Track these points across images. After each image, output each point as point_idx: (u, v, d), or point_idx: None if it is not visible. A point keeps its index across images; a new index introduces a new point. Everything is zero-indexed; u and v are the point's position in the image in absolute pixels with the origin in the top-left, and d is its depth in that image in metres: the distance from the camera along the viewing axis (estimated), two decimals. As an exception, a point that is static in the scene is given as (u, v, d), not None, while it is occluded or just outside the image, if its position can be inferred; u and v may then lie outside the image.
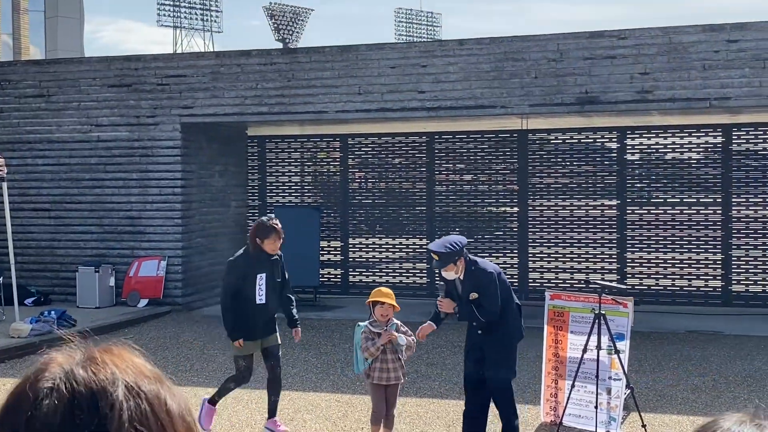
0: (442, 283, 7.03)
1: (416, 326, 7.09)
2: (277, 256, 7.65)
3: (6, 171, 11.90)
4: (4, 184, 11.84)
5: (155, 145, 14.29)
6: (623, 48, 12.23)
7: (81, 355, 1.13)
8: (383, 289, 7.18)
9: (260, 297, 7.59)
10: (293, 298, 7.93)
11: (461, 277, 6.81)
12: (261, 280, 7.61)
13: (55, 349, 1.16)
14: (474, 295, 6.76)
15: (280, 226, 7.59)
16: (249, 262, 7.55)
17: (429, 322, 7.08)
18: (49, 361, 1.12)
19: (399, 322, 7.03)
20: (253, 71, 13.92)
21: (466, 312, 6.81)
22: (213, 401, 7.75)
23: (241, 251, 7.72)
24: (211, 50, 15.20)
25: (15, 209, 13.58)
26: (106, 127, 14.47)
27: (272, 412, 7.68)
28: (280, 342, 7.77)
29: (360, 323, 7.15)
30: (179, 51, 48.26)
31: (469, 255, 6.89)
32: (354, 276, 16.16)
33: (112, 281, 14.09)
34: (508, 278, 7.28)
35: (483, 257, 14.80)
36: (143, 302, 13.98)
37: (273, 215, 7.91)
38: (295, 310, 7.82)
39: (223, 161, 15.39)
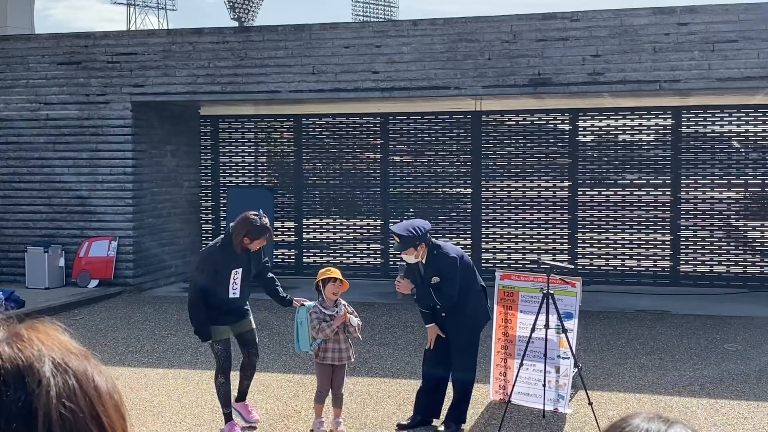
0: (404, 264, 7.07)
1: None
2: (254, 251, 7.15)
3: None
4: (-51, 163, 11.59)
5: (105, 124, 14.08)
6: (575, 30, 12.32)
7: (5, 333, 1.11)
8: (331, 268, 7.22)
9: (234, 291, 7.08)
10: (276, 278, 7.46)
11: (423, 261, 6.86)
12: (237, 275, 7.06)
13: None
14: (435, 279, 6.82)
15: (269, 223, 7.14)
16: (226, 256, 6.99)
17: (432, 324, 7.10)
18: None
19: (345, 303, 7.09)
20: (206, 50, 13.76)
21: (424, 295, 6.87)
22: (239, 398, 7.37)
23: (218, 243, 7.11)
24: (164, 28, 14.97)
25: (-39, 189, 13.32)
26: (56, 105, 14.21)
27: (243, 395, 7.37)
28: (254, 327, 7.35)
29: (305, 303, 7.17)
30: (132, 29, 47.54)
31: (433, 239, 6.93)
32: (308, 257, 16.14)
33: (61, 262, 13.90)
34: (468, 257, 7.35)
35: (437, 239, 14.94)
36: (93, 283, 13.82)
37: (261, 211, 7.26)
38: (281, 290, 7.36)
39: (176, 141, 15.22)
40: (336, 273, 7.05)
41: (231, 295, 7.05)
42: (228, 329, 7.19)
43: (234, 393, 7.38)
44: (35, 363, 1.06)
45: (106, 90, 14.07)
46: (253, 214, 7.04)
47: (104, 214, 14.10)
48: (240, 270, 7.05)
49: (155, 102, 14.18)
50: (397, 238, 6.82)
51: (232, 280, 7.04)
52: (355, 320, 7.01)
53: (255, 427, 7.16)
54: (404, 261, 7.05)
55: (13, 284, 13.53)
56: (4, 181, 14.41)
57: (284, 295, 7.38)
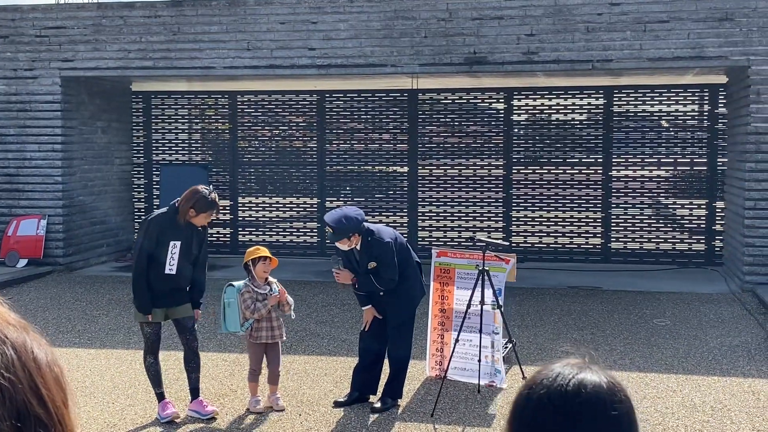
0: (337, 255, 7.04)
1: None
2: (200, 228, 6.97)
3: None
4: None
5: (33, 99, 13.70)
6: (510, 9, 12.39)
7: None
8: (259, 247, 7.16)
9: (170, 267, 6.84)
10: (203, 280, 7.12)
11: (358, 248, 6.87)
12: (175, 248, 6.85)
13: None
14: (372, 265, 6.83)
15: (218, 199, 6.93)
16: (168, 225, 6.81)
17: (369, 306, 7.10)
18: None
19: (276, 280, 7.08)
20: (137, 24, 13.47)
21: (365, 282, 6.90)
22: (192, 397, 7.10)
23: (162, 210, 6.96)
24: (94, 1, 14.63)
25: None
26: (-20, 79, 13.77)
27: (195, 391, 7.07)
28: (193, 314, 7.08)
29: (233, 283, 7.12)
30: (61, 2, 46.27)
31: (366, 224, 6.92)
32: (243, 236, 16.01)
33: (-12, 241, 13.53)
34: (401, 235, 7.39)
35: (374, 216, 14.97)
36: (23, 262, 13.49)
37: (211, 187, 7.07)
38: (200, 294, 7.09)
39: (107, 117, 14.90)
40: (264, 251, 7.02)
41: (167, 270, 6.81)
42: (161, 313, 6.98)
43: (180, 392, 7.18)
44: None
45: (35, 65, 13.68)
46: (203, 188, 6.83)
47: (33, 192, 13.75)
48: (179, 244, 6.82)
49: (85, 77, 13.85)
50: (329, 229, 6.81)
51: (170, 254, 6.83)
52: (290, 299, 7.01)
53: (215, 419, 6.97)
54: (336, 252, 7.04)
55: (-63, 264, 13.13)
56: (-73, 158, 13.95)
57: (199, 301, 7.12)
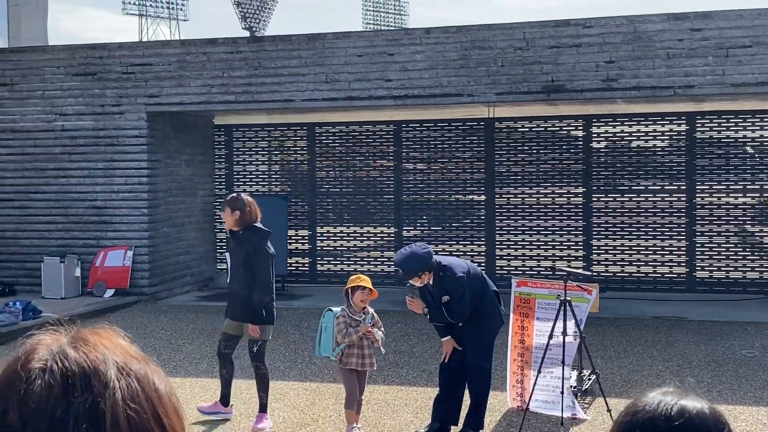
0: (412, 284, 7.07)
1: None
2: (241, 234, 7.19)
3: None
4: (-34, 174, 11.67)
5: (121, 134, 14.16)
6: (589, 36, 12.32)
7: (69, 337, 1.15)
8: (362, 275, 7.23)
9: (227, 277, 7.37)
10: (254, 296, 7.18)
11: (431, 282, 6.88)
12: (227, 259, 7.38)
13: (42, 331, 1.17)
14: (446, 298, 6.83)
15: (233, 197, 7.25)
16: (229, 239, 7.44)
17: (448, 337, 7.10)
18: (38, 342, 1.14)
19: (373, 311, 7.11)
20: (220, 59, 13.83)
21: (437, 314, 6.91)
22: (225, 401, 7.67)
23: None
24: (178, 39, 15.06)
25: (-22, 199, 13.41)
26: (71, 116, 14.30)
27: (262, 407, 7.46)
28: (253, 335, 7.28)
29: (332, 308, 7.19)
30: (145, 39, 47.82)
31: (437, 258, 6.92)
32: (322, 264, 16.16)
33: (77, 271, 13.96)
34: (476, 266, 7.36)
35: (450, 245, 14.94)
36: (109, 292, 13.88)
37: (242, 191, 7.75)
38: (250, 309, 7.21)
39: (190, 150, 15.29)
40: (366, 281, 7.06)
41: (226, 281, 7.52)
42: (230, 325, 7.46)
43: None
44: (101, 366, 1.10)
45: (121, 100, 14.15)
46: (240, 192, 7.56)
47: (120, 224, 14.16)
48: (228, 255, 7.45)
49: (170, 112, 14.26)
50: (400, 269, 6.85)
51: (227, 264, 7.49)
52: (380, 334, 7.04)
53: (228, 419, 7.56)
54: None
55: (29, 294, 13.59)
56: (21, 192, 14.50)
57: (251, 314, 7.33)
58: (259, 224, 7.29)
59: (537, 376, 7.24)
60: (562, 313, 7.12)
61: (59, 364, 1.09)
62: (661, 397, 1.45)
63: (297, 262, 16.18)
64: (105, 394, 1.07)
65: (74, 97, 14.30)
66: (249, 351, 7.48)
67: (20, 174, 14.50)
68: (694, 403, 1.45)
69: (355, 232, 16.04)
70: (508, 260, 15.21)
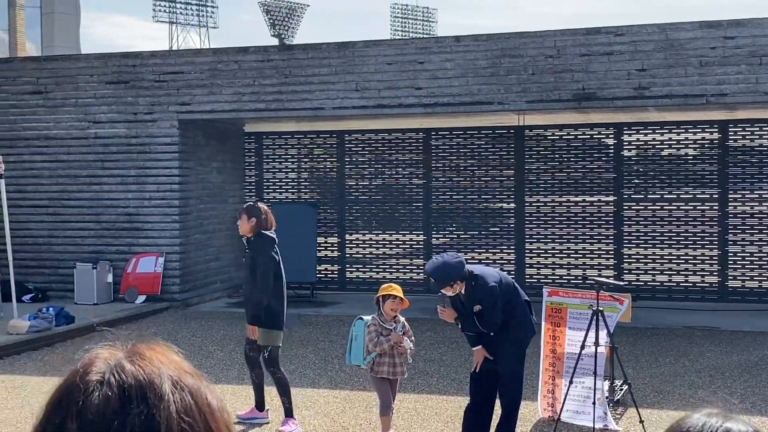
0: (445, 294, 7.06)
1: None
2: (252, 240, 7.52)
3: (3, 168, 11.90)
4: (2, 182, 11.84)
5: (153, 141, 14.30)
6: (620, 44, 12.26)
7: (126, 351, 1.19)
8: (393, 284, 7.24)
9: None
10: (256, 297, 7.47)
11: (463, 292, 6.87)
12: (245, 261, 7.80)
13: (99, 345, 1.21)
14: (478, 308, 6.81)
15: (250, 205, 7.66)
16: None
17: (479, 347, 7.08)
18: (95, 355, 1.18)
19: (404, 320, 7.11)
20: (251, 68, 13.93)
21: (469, 323, 6.89)
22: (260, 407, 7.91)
23: None
24: (208, 47, 15.20)
25: (13, 206, 13.58)
26: (104, 123, 14.47)
27: (287, 411, 7.60)
28: (251, 336, 7.54)
29: (363, 317, 7.20)
30: (175, 47, 48.23)
31: (470, 268, 6.91)
32: (351, 272, 16.19)
33: (109, 278, 14.10)
34: (507, 275, 7.34)
35: (480, 253, 14.90)
36: (141, 298, 14.00)
37: (257, 200, 8.00)
38: (252, 311, 7.50)
39: (221, 157, 15.41)
40: (397, 290, 7.07)
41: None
42: (247, 328, 7.68)
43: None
44: (156, 380, 1.13)
45: (154, 108, 14.29)
46: (258, 200, 7.78)
47: (151, 231, 14.29)
48: (245, 259, 7.74)
49: (201, 120, 14.38)
50: (432, 279, 6.85)
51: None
52: (409, 344, 7.03)
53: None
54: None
55: (62, 300, 13.76)
56: (54, 199, 14.68)
57: (252, 315, 7.59)
58: (268, 232, 7.55)
59: (569, 386, 7.20)
60: (594, 322, 7.09)
61: (116, 376, 1.12)
62: (706, 419, 1.44)
63: (326, 269, 16.22)
64: (160, 407, 1.10)
65: (107, 105, 14.47)
66: (261, 357, 7.63)
67: (54, 181, 14.68)
68: (738, 426, 1.43)
69: (384, 239, 16.06)
70: (538, 269, 15.14)
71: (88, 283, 13.87)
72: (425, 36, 51.74)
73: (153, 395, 1.11)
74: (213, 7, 51.18)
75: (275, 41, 49.61)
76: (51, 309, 11.96)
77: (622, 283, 9.41)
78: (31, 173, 14.72)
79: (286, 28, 51.97)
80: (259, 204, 7.70)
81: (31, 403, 8.51)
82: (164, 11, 49.47)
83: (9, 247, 11.98)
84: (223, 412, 1.19)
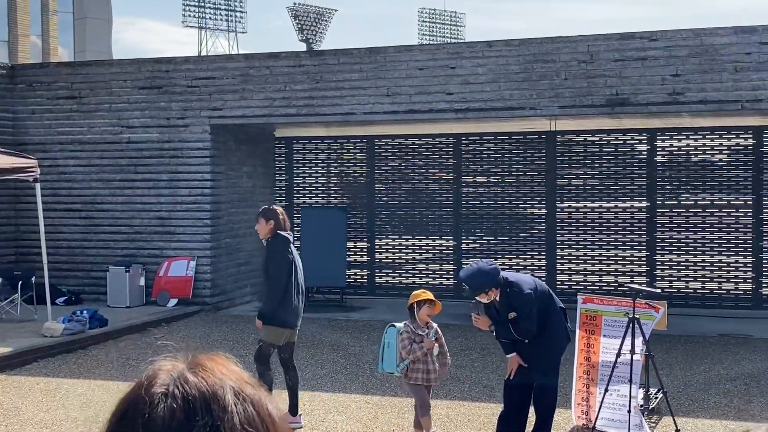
0: (479, 301, 7.03)
1: (444, 328, 7.14)
2: (269, 241, 7.78)
3: (39, 172, 12.03)
4: (38, 185, 11.97)
5: (185, 146, 14.40)
6: (654, 50, 12.18)
7: (187, 362, 1.20)
8: (424, 290, 7.22)
9: None
10: (266, 291, 7.93)
11: (497, 299, 6.83)
12: None
13: (161, 357, 1.22)
14: (512, 315, 6.78)
15: (266, 208, 7.90)
16: None
17: (513, 354, 7.04)
18: (158, 368, 1.19)
19: (437, 326, 7.09)
20: (282, 73, 13.98)
21: (503, 331, 6.85)
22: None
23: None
24: (237, 52, 15.28)
25: (47, 209, 13.71)
26: (137, 128, 14.59)
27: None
28: (263, 336, 7.80)
29: (395, 324, 7.19)
30: (203, 52, 48.55)
31: (505, 275, 6.88)
32: (380, 277, 16.19)
33: (142, 281, 14.21)
34: (542, 282, 7.29)
35: (510, 258, 14.83)
36: (173, 302, 14.08)
37: (277, 207, 8.11)
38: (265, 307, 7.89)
39: (251, 162, 15.48)
40: (429, 295, 7.07)
41: None
42: None
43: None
44: (219, 391, 1.14)
45: (186, 113, 14.39)
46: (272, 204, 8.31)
47: (183, 235, 14.39)
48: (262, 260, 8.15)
49: (233, 125, 14.45)
50: (466, 286, 6.83)
51: None
52: (438, 349, 7.00)
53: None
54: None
55: (95, 303, 13.87)
56: (88, 203, 14.82)
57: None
58: (284, 233, 7.76)
59: (604, 394, 7.15)
60: (630, 330, 7.03)
61: (180, 388, 1.14)
62: None
63: (355, 274, 16.23)
64: (224, 418, 1.12)
65: (140, 110, 14.59)
66: (286, 356, 7.88)
67: (87, 185, 14.82)
68: None
69: (413, 244, 16.05)
70: (569, 275, 15.05)
71: (121, 286, 13.98)
72: (457, 41, 51.68)
73: (217, 406, 1.12)
74: (242, 12, 51.48)
75: (303, 46, 49.84)
76: (85, 312, 12.06)
77: (658, 290, 9.32)
78: (64, 177, 14.87)
79: (314, 32, 52.17)
80: (274, 207, 8.01)
81: (66, 405, 8.60)
82: (193, 16, 49.83)
83: (44, 250, 12.10)
84: (282, 421, 1.20)
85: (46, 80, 15.10)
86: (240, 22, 51.52)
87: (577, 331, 7.79)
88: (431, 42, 52.95)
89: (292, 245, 7.81)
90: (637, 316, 7.05)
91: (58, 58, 32.93)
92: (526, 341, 6.95)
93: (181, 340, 11.92)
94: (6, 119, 15.06)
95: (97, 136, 14.77)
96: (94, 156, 14.78)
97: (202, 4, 49.80)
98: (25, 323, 12.24)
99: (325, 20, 52.89)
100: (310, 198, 16.59)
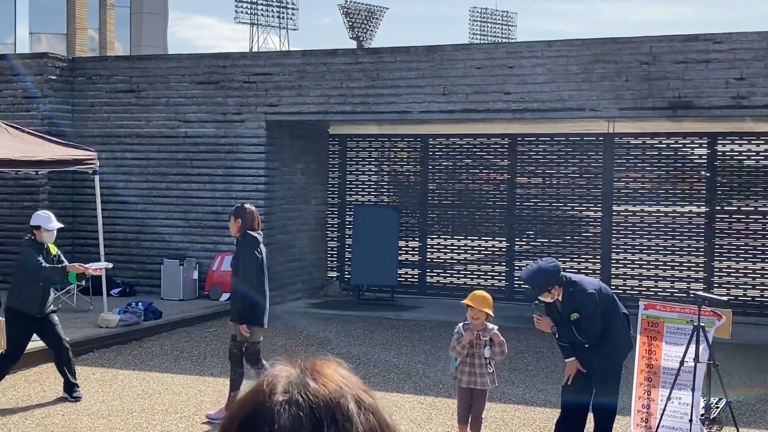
0: (541, 301, 6.92)
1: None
2: (239, 239, 7.93)
3: (99, 165, 12.18)
4: (96, 178, 12.12)
5: (240, 141, 14.47)
6: (718, 52, 11.93)
7: (302, 367, 1.16)
8: (483, 293, 7.07)
9: None
10: (239, 293, 7.93)
11: (560, 299, 6.72)
12: None
13: (275, 361, 1.19)
14: (575, 316, 6.66)
15: (238, 207, 8.03)
16: None
17: (572, 358, 6.93)
18: (277, 374, 1.16)
19: (495, 328, 6.96)
20: (338, 70, 13.98)
21: (566, 333, 6.72)
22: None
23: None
24: (290, 49, 15.34)
25: (103, 202, 13.84)
26: (194, 123, 14.70)
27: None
28: (243, 334, 7.80)
29: (459, 324, 7.12)
30: (255, 48, 48.86)
31: (568, 275, 6.77)
32: (431, 276, 16.11)
33: (195, 275, 14.32)
34: (607, 286, 7.17)
35: (564, 261, 14.66)
36: (225, 296, 14.15)
37: (244, 202, 8.45)
38: (236, 309, 7.95)
39: (305, 159, 15.51)
40: (479, 301, 6.89)
41: None
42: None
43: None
44: (341, 399, 1.11)
45: (242, 109, 14.46)
46: (245, 203, 8.34)
47: (236, 230, 14.43)
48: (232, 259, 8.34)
49: (288, 121, 14.49)
50: (528, 286, 6.73)
51: None
52: (488, 351, 6.86)
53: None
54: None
55: (149, 295, 14.02)
56: (144, 196, 14.98)
57: (236, 313, 7.94)
58: (254, 232, 7.88)
59: (666, 402, 7.01)
60: (695, 338, 6.88)
61: (303, 396, 1.11)
62: None
63: (407, 273, 16.17)
64: (349, 428, 1.08)
65: (197, 104, 14.70)
66: (244, 355, 7.87)
67: (144, 178, 14.98)
68: None
69: (465, 244, 15.94)
70: (624, 279, 14.82)
71: (175, 279, 14.11)
72: (515, 41, 51.37)
73: (341, 416, 1.09)
74: (293, 9, 51.71)
75: (353, 44, 49.90)
76: (140, 304, 12.19)
77: (723, 298, 9.11)
78: (121, 170, 15.04)
79: (365, 30, 52.20)
80: (246, 205, 8.10)
81: (122, 396, 8.68)
82: (246, 12, 50.17)
83: (101, 242, 12.25)
84: (397, 428, 1.17)
85: (105, 74, 15.29)
86: (291, 18, 51.76)
87: (638, 336, 7.64)
88: (483, 41, 52.68)
89: (261, 245, 7.95)
90: (702, 324, 6.90)
91: (114, 52, 33.41)
92: (587, 345, 6.83)
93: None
94: (65, 111, 15.28)
95: (154, 129, 14.91)
96: (151, 149, 14.93)
97: (255, 1, 50.13)
98: (81, 314, 12.41)
99: (376, 18, 52.89)
100: (363, 196, 16.58)
